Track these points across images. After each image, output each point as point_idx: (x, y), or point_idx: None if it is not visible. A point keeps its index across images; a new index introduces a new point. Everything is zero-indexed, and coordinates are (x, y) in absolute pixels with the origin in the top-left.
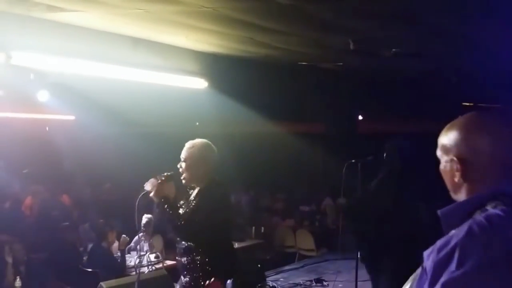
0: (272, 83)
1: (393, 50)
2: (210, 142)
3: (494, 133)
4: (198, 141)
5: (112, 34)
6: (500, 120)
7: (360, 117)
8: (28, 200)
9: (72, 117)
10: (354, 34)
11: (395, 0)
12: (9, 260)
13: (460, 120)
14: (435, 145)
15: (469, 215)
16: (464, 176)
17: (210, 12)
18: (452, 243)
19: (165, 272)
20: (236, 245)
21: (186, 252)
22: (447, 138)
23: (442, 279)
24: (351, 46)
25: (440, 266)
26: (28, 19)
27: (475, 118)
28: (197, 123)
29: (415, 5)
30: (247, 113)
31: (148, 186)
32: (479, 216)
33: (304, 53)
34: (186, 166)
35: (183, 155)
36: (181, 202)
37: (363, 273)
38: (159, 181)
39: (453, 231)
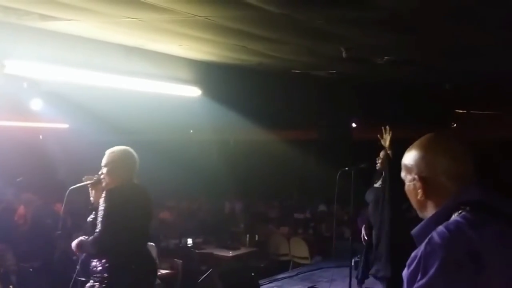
0: (266, 90)
1: (385, 57)
2: (131, 149)
3: (449, 152)
4: (119, 147)
5: (105, 42)
6: (454, 139)
7: (354, 124)
8: (22, 209)
9: (65, 125)
10: (346, 42)
11: (385, 8)
12: None
13: (419, 141)
14: None
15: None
16: (426, 193)
17: (203, 21)
18: (418, 256)
19: (158, 281)
20: (230, 253)
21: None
22: (408, 158)
23: None
24: (343, 54)
25: (412, 279)
26: (21, 28)
27: (432, 139)
28: (191, 131)
29: (406, 13)
30: (241, 121)
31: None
32: (438, 228)
33: (297, 61)
34: (107, 171)
35: (104, 161)
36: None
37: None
38: (93, 180)
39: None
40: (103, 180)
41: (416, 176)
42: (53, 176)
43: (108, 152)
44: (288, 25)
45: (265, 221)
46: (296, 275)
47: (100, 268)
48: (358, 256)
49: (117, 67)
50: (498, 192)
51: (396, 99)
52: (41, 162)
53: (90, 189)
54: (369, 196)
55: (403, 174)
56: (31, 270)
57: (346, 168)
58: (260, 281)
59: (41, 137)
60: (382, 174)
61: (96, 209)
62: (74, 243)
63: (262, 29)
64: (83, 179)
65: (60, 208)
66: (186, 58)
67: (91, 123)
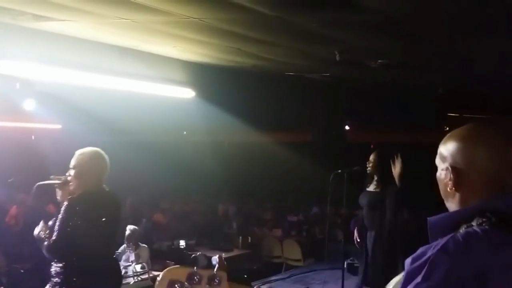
0: (260, 92)
1: (379, 61)
2: (101, 151)
3: (491, 147)
4: (88, 149)
5: (99, 43)
6: (498, 133)
7: (347, 127)
8: (13, 209)
9: (58, 126)
10: (339, 45)
11: (380, 12)
12: None
13: (459, 130)
14: (421, 154)
15: (455, 227)
16: (457, 185)
17: (197, 23)
18: (427, 255)
19: (151, 283)
20: (223, 255)
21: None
22: (445, 147)
23: None
24: (337, 58)
25: (411, 276)
26: (15, 28)
27: (473, 129)
28: (185, 132)
29: (400, 16)
30: (235, 123)
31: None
32: (458, 233)
33: (291, 64)
34: (75, 174)
35: (72, 162)
36: None
37: (349, 283)
38: (60, 181)
39: (434, 243)
40: (70, 182)
41: (449, 167)
42: (46, 177)
43: (77, 153)
44: (281, 28)
45: (258, 223)
46: (289, 277)
47: (54, 274)
48: (351, 258)
49: (111, 68)
50: None
51: (389, 102)
52: (34, 163)
53: (57, 189)
54: (363, 200)
55: (437, 161)
56: (22, 271)
57: (339, 171)
58: (253, 283)
59: (33, 137)
60: (373, 177)
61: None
62: (36, 232)
63: (256, 31)
64: (50, 177)
65: (53, 209)
66: (180, 59)
67: (84, 124)
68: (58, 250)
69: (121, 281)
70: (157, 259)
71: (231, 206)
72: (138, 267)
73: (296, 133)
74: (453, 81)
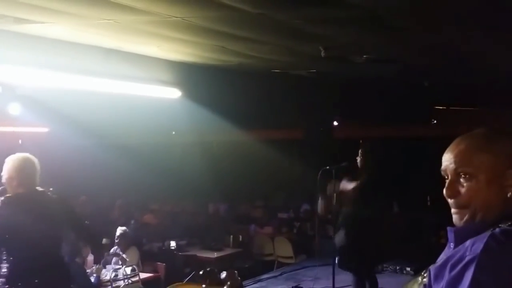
0: (247, 91)
1: (364, 56)
2: (28, 156)
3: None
4: (14, 157)
5: (83, 45)
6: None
7: (335, 123)
8: None
9: (45, 129)
10: (324, 41)
11: (363, 7)
12: None
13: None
14: (407, 148)
15: (481, 232)
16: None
17: (180, 22)
18: (467, 258)
19: (141, 285)
20: (215, 254)
21: None
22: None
23: None
24: (322, 54)
25: (453, 283)
26: None
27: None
28: (174, 133)
29: (383, 11)
30: (223, 122)
31: None
32: (495, 233)
33: (277, 61)
34: (5, 182)
35: (3, 172)
36: None
37: (340, 279)
38: None
39: (466, 243)
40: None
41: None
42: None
43: (5, 162)
44: (265, 25)
45: (249, 221)
46: (281, 274)
47: (1, 274)
48: None
49: (95, 70)
50: None
51: (376, 97)
52: None
53: None
54: None
55: (481, 167)
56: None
57: (327, 167)
58: (245, 282)
59: (20, 141)
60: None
61: None
62: None
63: (239, 29)
64: None
65: None
66: (165, 59)
67: (71, 127)
68: None
69: (69, 285)
70: (147, 261)
71: (221, 206)
72: (128, 270)
73: (285, 130)
74: (439, 74)
